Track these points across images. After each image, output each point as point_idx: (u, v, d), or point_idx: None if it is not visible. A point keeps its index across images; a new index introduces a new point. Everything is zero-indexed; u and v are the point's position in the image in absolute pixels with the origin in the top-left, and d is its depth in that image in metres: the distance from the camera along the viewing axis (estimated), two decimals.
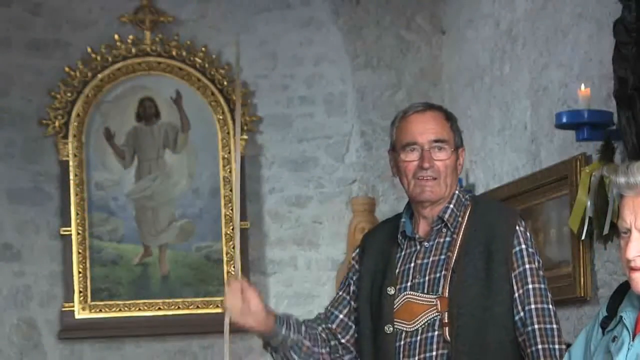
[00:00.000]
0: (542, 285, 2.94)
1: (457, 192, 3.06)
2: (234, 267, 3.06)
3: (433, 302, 2.93)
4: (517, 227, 2.97)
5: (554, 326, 2.92)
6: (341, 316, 3.15)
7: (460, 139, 3.07)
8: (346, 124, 6.66)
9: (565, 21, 4.97)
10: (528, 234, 2.98)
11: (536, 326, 2.90)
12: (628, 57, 4.03)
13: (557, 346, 2.89)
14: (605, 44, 4.41)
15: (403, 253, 3.04)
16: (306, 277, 6.63)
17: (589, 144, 4.56)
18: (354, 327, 3.13)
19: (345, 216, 6.49)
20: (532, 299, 2.92)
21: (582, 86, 4.48)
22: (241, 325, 3.00)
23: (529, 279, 2.93)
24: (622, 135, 4.16)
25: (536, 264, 2.96)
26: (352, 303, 3.14)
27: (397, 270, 3.02)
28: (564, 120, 4.48)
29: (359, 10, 6.61)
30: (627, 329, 2.26)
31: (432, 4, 6.60)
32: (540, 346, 2.88)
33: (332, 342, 3.14)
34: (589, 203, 4.41)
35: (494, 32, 5.77)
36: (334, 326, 3.14)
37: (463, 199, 3.05)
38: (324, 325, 3.14)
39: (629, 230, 2.23)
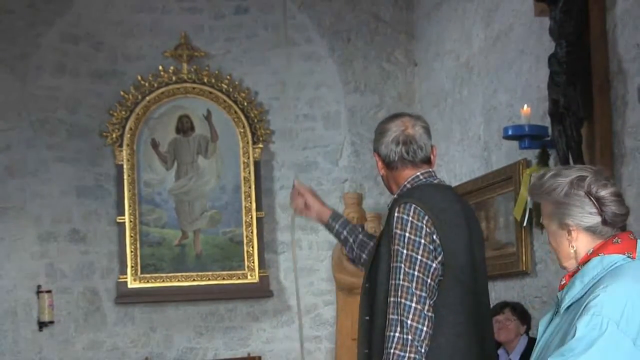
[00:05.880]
0: (397, 264, 2.63)
1: (406, 183, 2.82)
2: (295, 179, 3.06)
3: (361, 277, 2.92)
4: (396, 213, 2.68)
5: (402, 288, 2.63)
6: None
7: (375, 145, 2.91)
8: (340, 135, 6.65)
9: (511, 56, 4.96)
10: (404, 217, 2.66)
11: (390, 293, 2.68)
12: (559, 83, 4.03)
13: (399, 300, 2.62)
14: (542, 74, 4.41)
15: None
16: (308, 255, 6.61)
17: (529, 152, 4.56)
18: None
19: (339, 208, 6.47)
20: (392, 275, 2.66)
21: (524, 106, 4.47)
22: (306, 215, 3.12)
23: (393, 258, 2.66)
24: (555, 144, 4.16)
25: (400, 244, 2.64)
26: None
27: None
28: (510, 132, 4.48)
29: (350, 47, 6.60)
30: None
31: (407, 42, 6.60)
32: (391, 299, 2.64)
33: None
34: (529, 198, 4.40)
35: (455, 64, 5.77)
36: None
37: (402, 192, 2.80)
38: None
39: None
